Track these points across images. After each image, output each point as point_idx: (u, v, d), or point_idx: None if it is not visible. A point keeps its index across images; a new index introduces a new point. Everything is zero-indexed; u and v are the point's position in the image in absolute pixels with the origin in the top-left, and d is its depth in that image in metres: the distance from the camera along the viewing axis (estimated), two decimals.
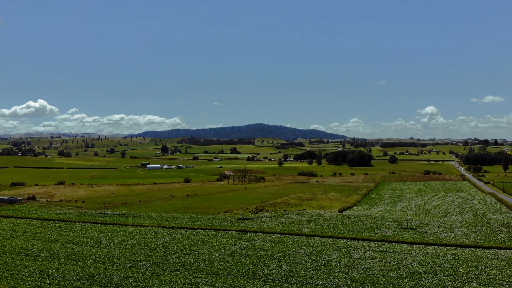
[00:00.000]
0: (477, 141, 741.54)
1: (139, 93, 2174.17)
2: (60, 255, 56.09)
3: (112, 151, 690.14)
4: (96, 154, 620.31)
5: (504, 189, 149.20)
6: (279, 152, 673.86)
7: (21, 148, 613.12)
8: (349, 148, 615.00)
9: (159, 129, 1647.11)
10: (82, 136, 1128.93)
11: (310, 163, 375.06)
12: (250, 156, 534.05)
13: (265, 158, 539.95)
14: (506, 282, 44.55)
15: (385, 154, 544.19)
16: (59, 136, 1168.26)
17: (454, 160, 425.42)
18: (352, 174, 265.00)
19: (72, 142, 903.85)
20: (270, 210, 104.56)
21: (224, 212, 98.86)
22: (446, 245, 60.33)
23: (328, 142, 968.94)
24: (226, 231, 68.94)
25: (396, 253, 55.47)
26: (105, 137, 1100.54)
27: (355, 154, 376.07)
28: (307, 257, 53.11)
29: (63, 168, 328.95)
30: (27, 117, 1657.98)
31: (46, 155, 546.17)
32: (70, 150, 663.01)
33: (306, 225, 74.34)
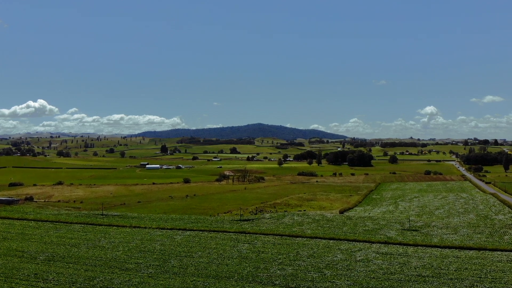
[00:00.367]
0: (477, 141, 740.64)
1: (139, 93, 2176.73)
2: (56, 257, 54.91)
3: (111, 151, 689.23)
4: (95, 154, 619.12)
5: (505, 189, 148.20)
6: (279, 152, 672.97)
7: (20, 148, 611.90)
8: (349, 148, 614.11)
9: (158, 129, 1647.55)
10: (82, 136, 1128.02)
11: (310, 163, 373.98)
12: (250, 156, 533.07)
13: (265, 158, 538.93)
14: None
15: (385, 154, 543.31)
16: (59, 136, 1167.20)
17: (455, 160, 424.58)
18: (353, 174, 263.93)
19: (72, 142, 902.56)
20: (270, 211, 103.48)
21: (224, 213, 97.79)
22: (449, 247, 59.19)
23: (328, 142, 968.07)
24: (225, 233, 67.79)
25: (399, 255, 54.34)
26: (104, 137, 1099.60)
27: (355, 154, 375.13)
28: (309, 259, 51.98)
29: (61, 168, 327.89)
30: (27, 117, 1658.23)
31: (45, 155, 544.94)
32: (70, 150, 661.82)
33: (307, 226, 73.23)
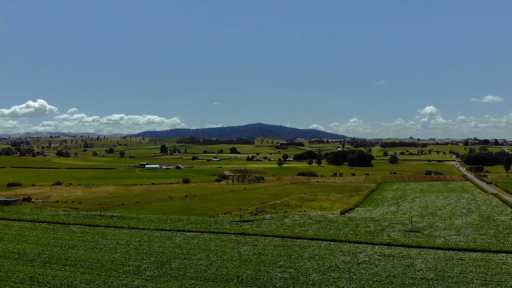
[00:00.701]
0: (477, 141, 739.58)
1: (138, 93, 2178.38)
2: (52, 259, 53.82)
3: (111, 151, 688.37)
4: (95, 154, 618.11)
5: (507, 189, 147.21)
6: (279, 152, 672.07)
7: (20, 148, 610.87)
8: (349, 148, 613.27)
9: (158, 129, 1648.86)
10: (81, 136, 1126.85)
11: (310, 163, 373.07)
12: (250, 156, 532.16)
13: (265, 158, 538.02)
14: None
15: (385, 154, 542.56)
16: (58, 136, 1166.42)
17: (455, 160, 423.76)
18: (353, 174, 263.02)
19: (71, 142, 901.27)
20: (270, 211, 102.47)
21: (223, 214, 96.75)
22: (453, 249, 58.17)
23: (327, 142, 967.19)
24: (225, 234, 66.73)
25: (402, 257, 53.30)
26: (104, 137, 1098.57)
27: (355, 154, 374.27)
28: (310, 261, 50.93)
29: (61, 168, 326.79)
30: (27, 117, 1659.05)
31: (45, 155, 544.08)
32: (69, 150, 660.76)
33: (308, 227, 72.17)
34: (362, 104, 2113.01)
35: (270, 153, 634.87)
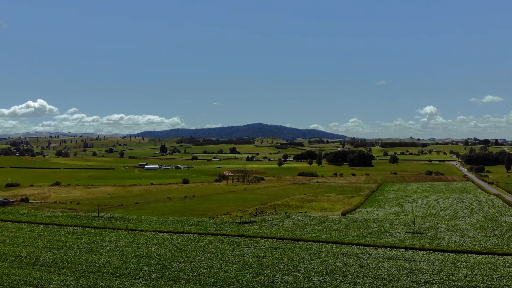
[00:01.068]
0: (477, 141, 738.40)
1: (138, 93, 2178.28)
2: (48, 262, 52.64)
3: (110, 151, 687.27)
4: (94, 154, 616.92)
5: (509, 190, 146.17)
6: (279, 152, 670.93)
7: (19, 148, 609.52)
8: (349, 148, 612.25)
9: (158, 129, 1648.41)
10: (81, 136, 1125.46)
11: (310, 163, 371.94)
12: (250, 156, 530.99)
13: (265, 158, 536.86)
14: None
15: (386, 154, 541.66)
16: (58, 136, 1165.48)
17: (455, 160, 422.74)
18: (353, 174, 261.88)
19: (71, 142, 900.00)
20: (271, 212, 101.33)
21: (223, 215, 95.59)
22: (457, 251, 56.99)
23: (327, 142, 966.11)
24: (224, 236, 65.54)
25: (405, 260, 52.15)
26: (104, 137, 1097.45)
27: (355, 154, 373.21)
28: (312, 265, 49.75)
29: (60, 168, 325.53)
30: (27, 117, 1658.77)
31: (44, 155, 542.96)
32: (69, 150, 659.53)
33: (309, 229, 70.98)
34: (362, 104, 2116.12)
35: (270, 153, 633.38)
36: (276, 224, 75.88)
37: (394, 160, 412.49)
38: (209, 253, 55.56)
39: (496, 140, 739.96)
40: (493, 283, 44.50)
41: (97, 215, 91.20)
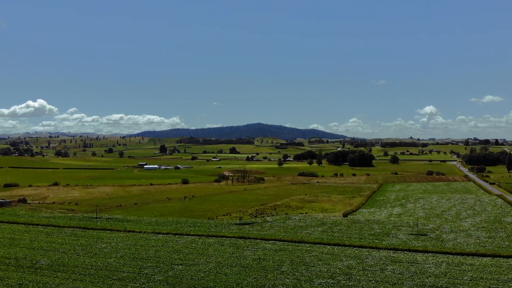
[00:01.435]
0: (477, 141, 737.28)
1: (138, 93, 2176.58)
2: (44, 265, 51.51)
3: (110, 151, 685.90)
4: (94, 154, 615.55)
5: (511, 190, 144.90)
6: (279, 152, 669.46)
7: (19, 148, 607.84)
8: (349, 148, 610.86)
9: (158, 128, 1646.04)
10: (81, 136, 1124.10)
11: (310, 163, 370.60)
12: (250, 156, 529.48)
13: (265, 158, 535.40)
14: None
15: (386, 154, 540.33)
16: (58, 136, 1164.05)
17: (456, 160, 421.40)
18: (354, 174, 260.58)
19: (71, 142, 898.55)
20: (271, 213, 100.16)
21: (223, 216, 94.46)
22: (462, 253, 55.80)
23: (327, 142, 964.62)
24: (224, 238, 64.37)
25: (409, 263, 50.98)
26: (103, 137, 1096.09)
27: (356, 154, 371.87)
28: (314, 268, 48.57)
29: (59, 168, 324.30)
30: (26, 116, 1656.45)
31: (43, 155, 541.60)
32: (68, 150, 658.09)
33: (310, 230, 69.80)
34: (361, 104, 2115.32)
35: (270, 153, 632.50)
36: (276, 226, 74.70)
37: (394, 160, 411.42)
38: (209, 255, 54.40)
39: (497, 140, 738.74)
40: (500, 286, 43.37)
41: (95, 216, 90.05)
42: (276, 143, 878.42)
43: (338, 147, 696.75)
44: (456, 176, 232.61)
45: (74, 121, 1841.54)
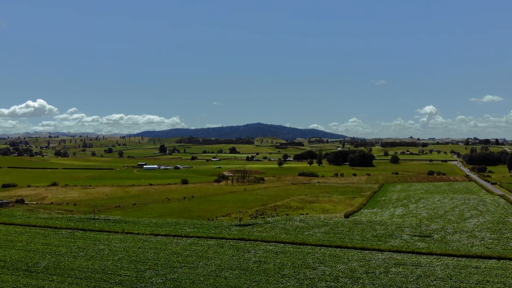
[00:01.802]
0: (477, 141, 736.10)
1: (138, 92, 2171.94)
2: (40, 268, 50.27)
3: (110, 151, 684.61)
4: (93, 154, 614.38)
5: None
6: (279, 152, 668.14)
7: (18, 148, 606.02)
8: (349, 148, 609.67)
9: (158, 128, 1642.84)
10: (81, 136, 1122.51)
11: (310, 163, 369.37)
12: (250, 156, 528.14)
13: (265, 158, 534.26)
14: None
15: (386, 154, 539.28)
16: (57, 136, 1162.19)
17: (457, 160, 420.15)
18: (354, 174, 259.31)
19: (70, 142, 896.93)
20: (271, 214, 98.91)
21: (223, 216, 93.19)
22: (467, 255, 54.59)
23: (327, 141, 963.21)
24: (224, 240, 63.13)
25: (414, 265, 49.75)
26: (103, 137, 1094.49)
27: (356, 154, 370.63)
28: (315, 271, 47.29)
29: (58, 168, 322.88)
30: (26, 116, 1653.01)
31: (43, 155, 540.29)
32: (68, 150, 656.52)
33: (311, 232, 68.56)
34: (361, 104, 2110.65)
35: (270, 153, 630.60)
36: (277, 227, 73.48)
37: (395, 160, 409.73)
38: (208, 258, 53.16)
39: (497, 140, 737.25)
40: None
41: (93, 217, 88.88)
42: (276, 143, 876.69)
43: (338, 147, 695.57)
44: (457, 176, 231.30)
45: (74, 121, 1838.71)
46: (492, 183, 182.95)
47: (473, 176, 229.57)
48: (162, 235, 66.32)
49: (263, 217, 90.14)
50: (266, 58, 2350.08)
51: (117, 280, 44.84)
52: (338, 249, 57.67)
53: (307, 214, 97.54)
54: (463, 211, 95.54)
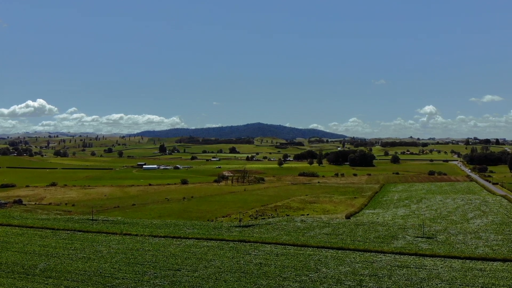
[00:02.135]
0: (478, 141, 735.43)
1: (138, 92, 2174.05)
2: (36, 270, 49.22)
3: (109, 150, 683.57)
4: (93, 154, 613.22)
5: None
6: (279, 151, 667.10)
7: (18, 148, 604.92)
8: (349, 148, 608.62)
9: (158, 128, 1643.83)
10: (80, 136, 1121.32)
11: (310, 163, 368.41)
12: (249, 156, 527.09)
13: (265, 158, 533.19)
14: None
15: (386, 154, 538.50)
16: (57, 136, 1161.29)
17: (457, 160, 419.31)
18: (355, 174, 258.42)
19: (70, 142, 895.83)
20: (271, 214, 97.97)
21: (222, 217, 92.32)
22: (471, 258, 53.58)
23: (327, 141, 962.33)
24: (224, 242, 62.11)
25: (417, 268, 48.75)
26: (103, 137, 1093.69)
27: (356, 154, 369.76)
28: (317, 274, 46.30)
29: (57, 168, 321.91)
30: (26, 116, 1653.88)
31: (42, 155, 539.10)
32: (68, 150, 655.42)
33: (312, 233, 67.56)
34: (361, 104, 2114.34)
35: (270, 153, 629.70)
36: (278, 228, 72.47)
37: (395, 160, 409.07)
38: (207, 260, 52.13)
39: (497, 139, 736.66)
40: None
41: (91, 218, 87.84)
42: (276, 142, 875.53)
43: (338, 146, 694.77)
44: (458, 176, 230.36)
45: (73, 121, 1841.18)
46: (493, 183, 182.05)
47: (474, 176, 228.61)
48: (161, 237, 65.37)
49: (264, 218, 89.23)
50: (266, 58, 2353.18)
51: (114, 283, 43.84)
52: (340, 251, 56.69)
53: (308, 214, 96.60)
54: (466, 211, 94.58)
